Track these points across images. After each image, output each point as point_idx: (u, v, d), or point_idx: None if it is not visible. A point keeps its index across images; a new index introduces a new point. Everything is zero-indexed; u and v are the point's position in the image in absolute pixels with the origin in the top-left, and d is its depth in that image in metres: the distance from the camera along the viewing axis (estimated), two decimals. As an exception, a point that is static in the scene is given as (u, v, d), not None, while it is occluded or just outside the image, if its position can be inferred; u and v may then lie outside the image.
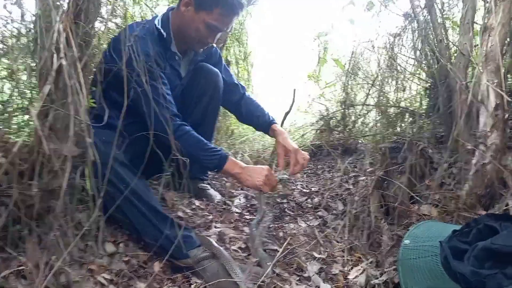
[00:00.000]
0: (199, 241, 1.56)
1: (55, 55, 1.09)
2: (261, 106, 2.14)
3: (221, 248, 1.54)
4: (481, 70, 1.43)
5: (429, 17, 2.05)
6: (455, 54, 1.79)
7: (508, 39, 1.79)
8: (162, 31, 1.75)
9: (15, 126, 1.31)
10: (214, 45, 2.04)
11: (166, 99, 1.62)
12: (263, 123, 2.08)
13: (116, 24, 2.00)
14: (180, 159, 1.48)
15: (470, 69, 1.75)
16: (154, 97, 1.53)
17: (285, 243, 1.66)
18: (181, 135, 1.64)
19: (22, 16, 1.20)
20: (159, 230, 1.49)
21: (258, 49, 3.85)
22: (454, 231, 1.25)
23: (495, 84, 1.39)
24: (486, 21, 1.45)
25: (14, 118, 1.29)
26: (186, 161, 1.47)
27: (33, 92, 1.27)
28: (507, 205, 1.49)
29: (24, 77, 1.27)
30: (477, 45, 1.58)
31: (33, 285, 0.98)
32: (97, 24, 1.36)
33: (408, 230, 1.45)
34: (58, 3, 1.19)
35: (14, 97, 1.26)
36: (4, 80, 1.37)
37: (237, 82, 2.17)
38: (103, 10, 1.42)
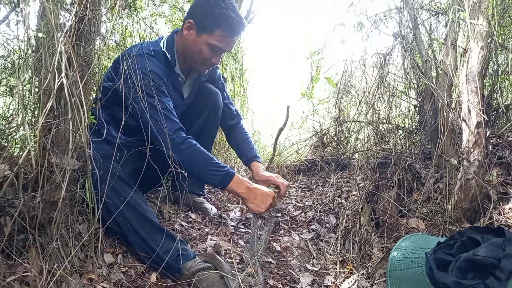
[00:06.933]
0: (194, 253, 1.60)
1: (56, 75, 1.15)
2: (250, 139, 2.28)
3: (222, 260, 1.57)
4: (462, 90, 1.50)
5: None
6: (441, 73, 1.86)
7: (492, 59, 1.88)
8: (167, 53, 1.80)
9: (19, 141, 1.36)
10: (219, 69, 2.10)
11: (171, 113, 1.67)
12: (246, 158, 2.22)
13: (116, 42, 2.07)
14: (180, 173, 1.52)
15: (454, 88, 1.82)
16: (160, 110, 1.58)
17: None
18: (187, 147, 1.66)
19: (29, 39, 1.26)
20: (149, 246, 1.52)
21: (253, 66, 3.94)
22: (439, 243, 1.29)
23: (476, 103, 1.46)
24: (465, 43, 1.53)
25: (18, 132, 1.34)
26: (185, 174, 1.51)
27: (36, 108, 1.32)
28: (490, 218, 1.55)
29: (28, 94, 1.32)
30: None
31: (36, 292, 1.02)
32: (97, 42, 1.42)
33: (396, 242, 1.50)
34: (60, 22, 1.26)
35: (18, 113, 1.31)
36: (8, 96, 1.43)
37: (235, 109, 2.29)
38: (103, 29, 1.49)
